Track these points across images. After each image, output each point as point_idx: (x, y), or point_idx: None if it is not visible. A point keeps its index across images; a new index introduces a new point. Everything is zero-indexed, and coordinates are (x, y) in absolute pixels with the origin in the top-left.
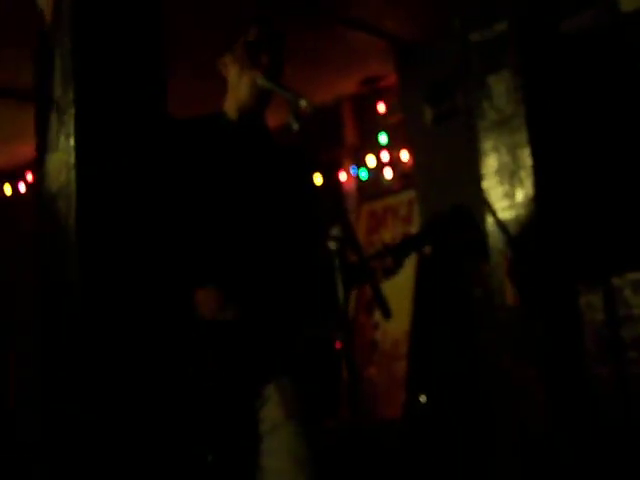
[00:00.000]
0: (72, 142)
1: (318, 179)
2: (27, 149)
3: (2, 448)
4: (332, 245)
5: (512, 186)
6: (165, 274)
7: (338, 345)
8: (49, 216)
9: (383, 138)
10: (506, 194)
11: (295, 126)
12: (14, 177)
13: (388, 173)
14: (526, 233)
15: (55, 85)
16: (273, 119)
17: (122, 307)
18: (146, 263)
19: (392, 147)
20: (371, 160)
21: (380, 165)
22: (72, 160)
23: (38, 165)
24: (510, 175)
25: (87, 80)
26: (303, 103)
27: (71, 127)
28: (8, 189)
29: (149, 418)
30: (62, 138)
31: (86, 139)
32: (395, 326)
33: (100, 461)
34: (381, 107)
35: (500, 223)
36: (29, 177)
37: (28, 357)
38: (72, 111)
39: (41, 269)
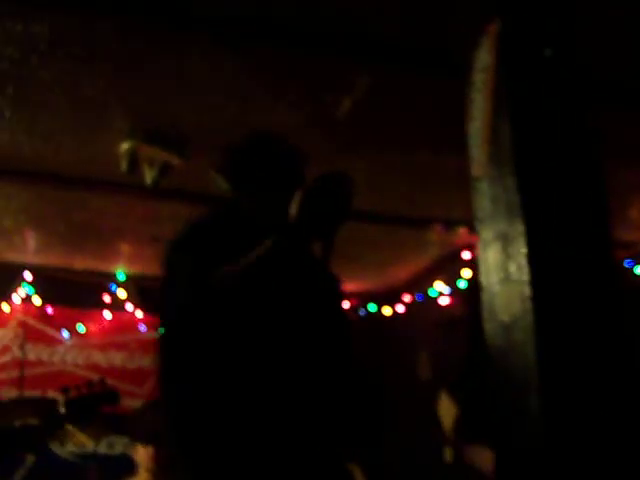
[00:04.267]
0: (526, 275)
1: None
2: (401, 272)
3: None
4: None
5: None
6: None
7: None
8: (503, 345)
9: None
10: None
11: None
12: (391, 299)
13: None
14: None
15: (497, 217)
16: None
17: (587, 443)
18: (608, 397)
19: None
20: None
21: None
22: (527, 292)
23: (471, 293)
24: None
25: (535, 214)
26: None
27: (522, 259)
28: (387, 310)
29: None
30: (512, 269)
31: (541, 272)
32: None
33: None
34: None
35: None
36: (406, 298)
37: None
38: (521, 244)
39: (498, 399)
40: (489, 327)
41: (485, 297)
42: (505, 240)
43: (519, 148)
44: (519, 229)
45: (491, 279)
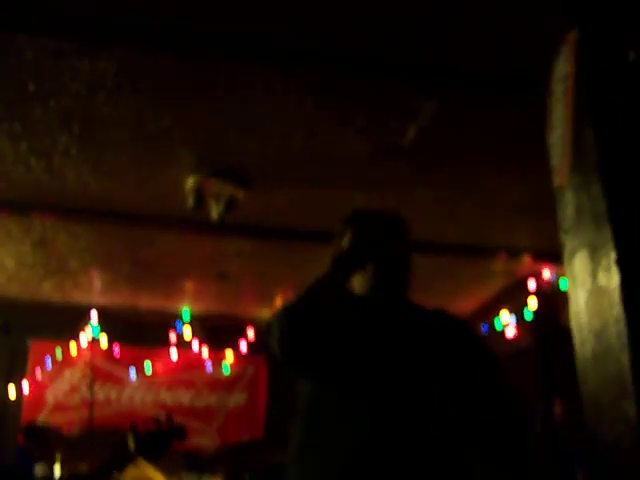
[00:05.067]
0: (616, 282)
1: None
2: (466, 303)
3: None
4: None
5: None
6: None
7: None
8: (593, 354)
9: None
10: None
11: None
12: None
13: None
14: None
15: (582, 226)
16: None
17: None
18: None
19: None
20: None
21: None
22: (617, 299)
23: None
24: None
25: (623, 220)
26: None
27: (611, 266)
28: None
29: None
30: (600, 276)
31: (631, 277)
32: None
33: None
34: None
35: None
36: None
37: None
38: (610, 251)
39: (590, 409)
40: (578, 336)
41: (572, 307)
42: (592, 248)
43: (604, 155)
44: (606, 236)
45: (578, 289)
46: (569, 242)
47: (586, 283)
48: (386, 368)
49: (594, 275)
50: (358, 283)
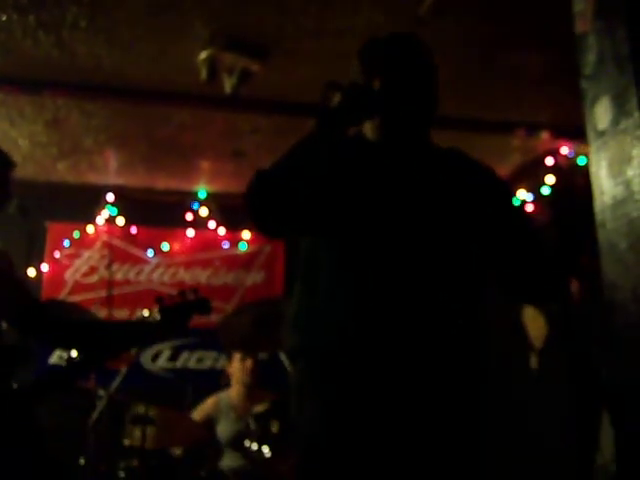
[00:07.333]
0: (637, 125)
1: None
2: None
3: None
4: None
5: None
6: None
7: None
8: (613, 198)
9: None
10: None
11: None
12: None
13: None
14: None
15: (604, 72)
16: None
17: None
18: None
19: None
20: None
21: None
22: (636, 140)
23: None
24: None
25: None
26: None
27: (632, 110)
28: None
29: None
30: (623, 120)
31: None
32: None
33: None
34: None
35: None
36: None
37: None
38: (632, 95)
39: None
40: (596, 183)
41: (592, 155)
42: (614, 94)
43: None
44: (629, 81)
45: (599, 135)
46: (591, 89)
47: (607, 129)
48: (394, 219)
49: (616, 121)
50: (368, 129)
